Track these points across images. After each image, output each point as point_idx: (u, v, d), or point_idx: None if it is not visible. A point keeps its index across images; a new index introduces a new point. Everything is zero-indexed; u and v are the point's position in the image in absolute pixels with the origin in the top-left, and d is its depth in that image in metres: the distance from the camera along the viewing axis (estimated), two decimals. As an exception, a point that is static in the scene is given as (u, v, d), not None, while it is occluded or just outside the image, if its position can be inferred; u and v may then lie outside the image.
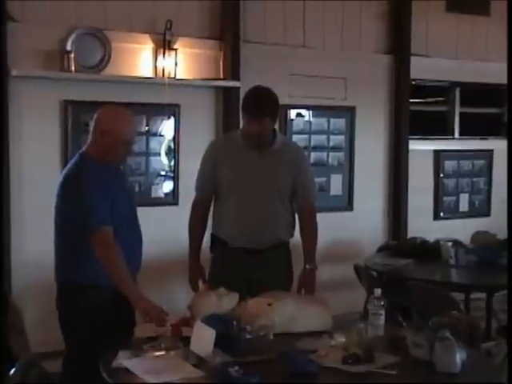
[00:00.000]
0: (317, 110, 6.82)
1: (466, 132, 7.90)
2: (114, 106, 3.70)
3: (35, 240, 5.53)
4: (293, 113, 6.71)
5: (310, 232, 4.15)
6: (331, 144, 6.94)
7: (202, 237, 4.14)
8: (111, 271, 3.32)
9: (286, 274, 4.12)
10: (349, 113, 6.99)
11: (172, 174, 6.10)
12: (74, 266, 3.49)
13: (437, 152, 7.65)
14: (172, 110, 6.03)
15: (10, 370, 2.63)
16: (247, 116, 3.92)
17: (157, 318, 3.18)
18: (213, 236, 4.14)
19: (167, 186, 6.09)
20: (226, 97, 6.28)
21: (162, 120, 5.99)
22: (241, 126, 4.27)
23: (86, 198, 3.38)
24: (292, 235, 4.19)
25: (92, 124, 3.55)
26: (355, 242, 6.88)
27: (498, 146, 7.90)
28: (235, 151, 4.02)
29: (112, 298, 3.37)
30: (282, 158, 4.00)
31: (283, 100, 6.58)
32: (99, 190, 3.38)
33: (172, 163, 6.09)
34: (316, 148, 6.84)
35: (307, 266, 4.10)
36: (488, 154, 7.98)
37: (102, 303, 3.38)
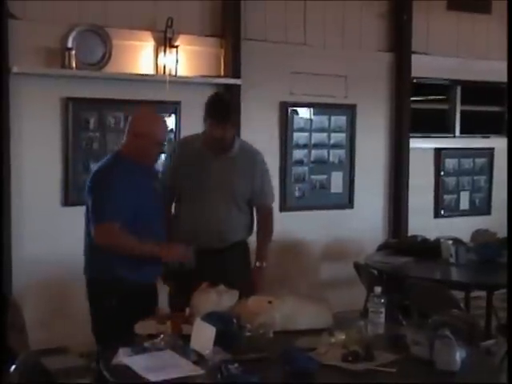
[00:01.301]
0: (318, 107, 6.82)
1: (466, 130, 7.90)
2: (147, 108, 3.80)
3: (35, 239, 5.54)
4: (294, 110, 6.71)
5: (265, 232, 4.20)
6: (332, 142, 6.94)
7: None
8: (123, 251, 3.48)
9: (243, 271, 4.10)
10: (349, 111, 6.99)
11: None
12: (98, 262, 3.61)
13: (437, 150, 7.65)
14: (173, 108, 6.03)
15: (9, 368, 2.63)
16: (212, 121, 3.94)
17: (182, 256, 3.58)
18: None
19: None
20: (227, 94, 6.27)
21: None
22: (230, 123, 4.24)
23: (103, 192, 3.51)
24: (250, 235, 4.20)
25: (127, 126, 3.75)
26: (355, 239, 6.88)
27: (499, 144, 7.90)
28: (194, 156, 4.05)
29: (136, 291, 3.45)
30: (239, 163, 4.05)
31: (284, 98, 6.63)
32: (119, 188, 3.49)
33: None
34: (317, 146, 6.84)
35: (256, 264, 4.11)
36: (489, 152, 7.98)
37: (125, 297, 3.44)
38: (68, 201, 5.67)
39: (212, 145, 4.00)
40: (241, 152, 4.09)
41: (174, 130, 6.07)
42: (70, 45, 5.54)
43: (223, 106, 4.02)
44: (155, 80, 5.85)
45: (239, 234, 4.11)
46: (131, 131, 3.66)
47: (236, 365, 2.56)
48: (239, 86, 6.23)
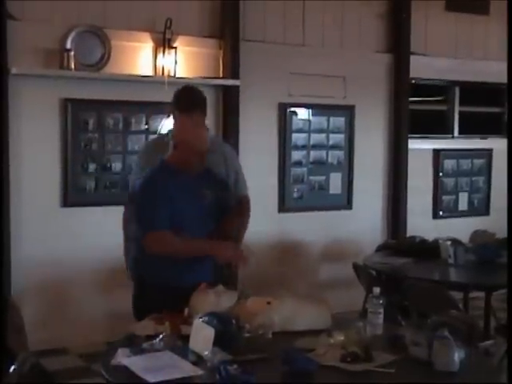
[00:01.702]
0: (316, 108, 6.82)
1: (465, 131, 7.91)
2: (187, 117, 3.69)
3: (34, 240, 5.55)
4: (293, 111, 6.72)
5: (246, 219, 4.04)
6: (331, 143, 6.94)
7: None
8: (175, 255, 3.52)
9: None
10: (348, 111, 7.00)
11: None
12: (146, 264, 3.66)
13: (436, 151, 7.66)
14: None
15: (8, 368, 2.63)
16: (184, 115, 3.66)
17: (235, 257, 3.55)
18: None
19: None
20: (226, 95, 6.28)
21: (162, 118, 5.99)
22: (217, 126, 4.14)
23: (150, 200, 3.55)
24: None
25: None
26: (354, 240, 6.88)
27: (498, 145, 7.91)
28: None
29: (181, 296, 3.36)
30: (210, 170, 3.77)
31: (282, 98, 6.64)
32: (152, 196, 3.52)
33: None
34: (315, 147, 6.84)
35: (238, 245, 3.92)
36: (487, 153, 7.98)
37: (161, 302, 3.39)
38: (67, 202, 5.68)
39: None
40: (210, 153, 3.78)
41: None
42: (68, 46, 5.54)
43: (198, 95, 3.74)
44: (154, 81, 5.85)
45: None
46: (173, 139, 3.68)
47: (235, 365, 2.56)
48: (238, 86, 6.23)
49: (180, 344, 2.91)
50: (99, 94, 5.70)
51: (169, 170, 3.62)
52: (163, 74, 5.89)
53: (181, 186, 3.58)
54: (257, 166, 6.16)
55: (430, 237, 5.73)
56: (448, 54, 7.49)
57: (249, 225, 4.06)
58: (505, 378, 2.99)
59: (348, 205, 7.05)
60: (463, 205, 7.87)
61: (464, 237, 5.80)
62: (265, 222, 6.12)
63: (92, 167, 5.78)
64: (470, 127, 7.93)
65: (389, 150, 7.30)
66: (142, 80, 5.84)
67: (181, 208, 3.54)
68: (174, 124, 3.75)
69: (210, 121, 6.29)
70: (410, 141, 7.33)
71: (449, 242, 5.32)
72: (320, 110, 6.86)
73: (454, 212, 7.79)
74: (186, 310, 3.26)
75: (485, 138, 8.08)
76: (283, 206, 6.66)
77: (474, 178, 7.93)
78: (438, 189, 7.68)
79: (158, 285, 3.53)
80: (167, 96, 5.78)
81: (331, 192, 6.96)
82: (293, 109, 6.70)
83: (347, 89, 6.99)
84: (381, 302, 3.20)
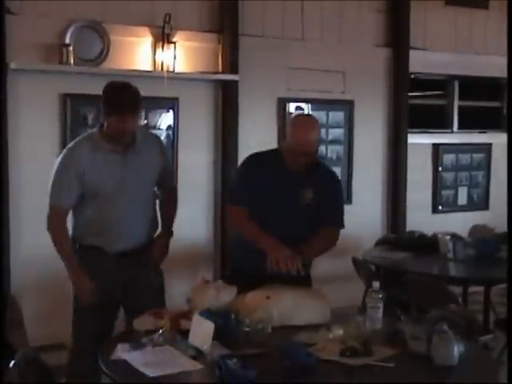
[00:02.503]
0: (315, 103, 6.82)
1: (464, 125, 7.90)
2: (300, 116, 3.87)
3: (34, 236, 5.53)
4: (292, 106, 6.71)
5: (174, 206, 4.06)
6: (330, 137, 6.94)
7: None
8: (245, 233, 3.76)
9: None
10: (347, 106, 6.99)
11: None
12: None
13: (435, 145, 7.66)
14: (171, 104, 6.03)
15: (8, 364, 2.64)
16: (121, 114, 3.56)
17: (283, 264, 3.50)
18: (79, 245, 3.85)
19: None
20: (225, 90, 6.28)
21: (161, 113, 5.99)
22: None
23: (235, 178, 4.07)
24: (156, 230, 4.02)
25: None
26: (354, 235, 6.85)
27: (497, 139, 7.91)
28: (98, 158, 3.70)
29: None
30: (144, 154, 3.77)
31: (282, 93, 6.63)
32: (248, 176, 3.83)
33: (171, 156, 6.09)
34: (315, 141, 6.83)
35: (165, 230, 3.98)
36: (487, 148, 7.98)
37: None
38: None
39: (119, 141, 3.68)
40: (143, 142, 3.80)
41: (172, 126, 6.07)
42: (67, 41, 5.53)
43: (131, 96, 3.63)
44: (153, 76, 5.84)
45: (151, 231, 3.93)
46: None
47: (234, 360, 2.56)
48: (237, 81, 6.23)
49: (179, 338, 2.91)
50: (98, 88, 5.61)
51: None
52: (162, 68, 5.88)
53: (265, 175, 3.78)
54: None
55: (429, 231, 5.73)
56: (447, 49, 7.48)
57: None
58: (504, 372, 3.00)
59: (347, 199, 7.03)
60: (462, 199, 7.87)
61: (463, 231, 5.80)
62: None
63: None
64: (470, 122, 7.93)
65: (388, 144, 7.30)
66: (141, 75, 5.82)
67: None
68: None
69: (209, 115, 6.30)
70: (409, 135, 7.32)
71: (448, 237, 5.32)
72: (319, 105, 6.84)
73: (453, 206, 7.79)
74: (186, 305, 3.27)
75: (484, 133, 8.08)
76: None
77: (473, 173, 7.93)
78: (437, 183, 7.68)
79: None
80: (166, 91, 5.85)
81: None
82: (292, 103, 6.69)
83: (346, 83, 6.98)
84: (380, 296, 3.21)
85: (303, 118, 4.17)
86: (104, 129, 3.69)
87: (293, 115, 4.00)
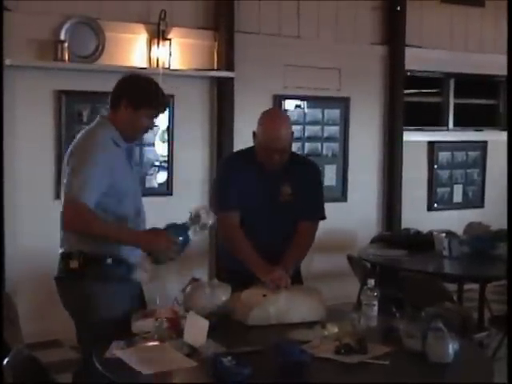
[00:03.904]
0: (311, 100, 6.82)
1: (460, 123, 7.91)
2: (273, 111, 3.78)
3: (28, 233, 5.53)
4: (287, 103, 6.71)
5: None
6: (325, 135, 6.94)
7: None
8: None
9: None
10: (343, 103, 6.99)
11: (166, 165, 6.09)
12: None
13: (431, 143, 7.66)
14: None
15: (2, 361, 2.63)
16: (156, 109, 3.34)
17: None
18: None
19: (161, 177, 6.08)
20: (221, 87, 6.27)
21: (156, 110, 5.97)
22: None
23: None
24: None
25: None
26: (349, 232, 6.89)
27: (493, 137, 7.92)
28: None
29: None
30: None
31: (277, 91, 6.62)
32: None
33: (166, 153, 6.09)
34: (310, 139, 6.84)
35: None
36: (482, 145, 7.98)
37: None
38: (61, 194, 5.65)
39: (137, 139, 3.57)
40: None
41: (168, 123, 6.06)
42: (62, 37, 5.52)
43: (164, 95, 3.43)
44: (148, 73, 5.80)
45: None
46: None
47: (229, 357, 2.56)
48: (232, 78, 6.22)
49: (174, 336, 2.90)
50: (93, 85, 5.67)
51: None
52: (157, 65, 5.87)
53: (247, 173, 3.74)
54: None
55: (424, 229, 5.73)
56: (443, 46, 7.48)
57: None
58: (499, 369, 3.00)
59: (342, 197, 7.05)
60: (458, 197, 7.87)
61: (458, 229, 5.79)
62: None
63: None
64: (465, 119, 7.93)
65: (383, 142, 7.30)
66: (136, 72, 5.81)
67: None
68: None
69: (204, 112, 6.29)
70: (404, 133, 7.32)
71: (443, 234, 5.32)
72: (315, 102, 6.85)
73: (448, 204, 7.80)
74: (175, 303, 3.25)
75: (480, 130, 8.08)
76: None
77: (468, 171, 7.94)
78: (432, 181, 7.69)
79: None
80: (162, 88, 5.82)
81: (326, 184, 6.91)
82: (287, 101, 6.69)
83: (342, 81, 6.98)
84: (375, 293, 3.20)
85: (272, 114, 3.98)
86: (113, 120, 3.31)
87: (263, 111, 3.78)
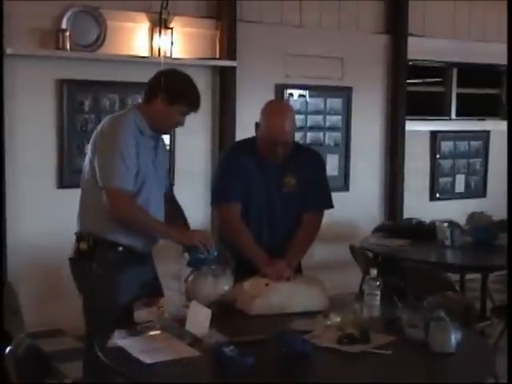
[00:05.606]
0: (313, 89, 6.80)
1: (462, 113, 7.89)
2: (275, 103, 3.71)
3: (30, 222, 5.53)
4: (289, 92, 6.69)
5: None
6: (328, 124, 6.92)
7: None
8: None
9: None
10: (345, 93, 6.97)
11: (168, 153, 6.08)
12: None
13: (433, 133, 7.65)
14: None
15: (4, 350, 2.63)
16: (191, 106, 3.34)
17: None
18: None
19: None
20: (223, 76, 6.26)
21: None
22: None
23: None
24: None
25: None
26: (351, 222, 6.88)
27: (495, 126, 7.90)
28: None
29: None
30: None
31: (279, 80, 6.61)
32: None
33: (168, 142, 6.07)
34: (312, 128, 6.83)
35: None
36: (484, 135, 7.97)
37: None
38: (63, 183, 5.66)
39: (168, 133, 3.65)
40: None
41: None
42: (64, 26, 5.50)
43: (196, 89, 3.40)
44: (150, 62, 5.81)
45: None
46: None
47: (231, 347, 2.56)
48: (235, 67, 6.20)
49: (176, 325, 2.90)
50: (95, 74, 5.66)
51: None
52: (159, 54, 5.85)
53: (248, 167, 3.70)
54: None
55: (426, 219, 5.73)
56: (446, 36, 7.45)
57: None
58: (501, 358, 3.00)
59: (345, 186, 7.04)
60: (460, 187, 7.87)
61: (461, 219, 5.80)
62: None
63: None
64: (468, 109, 7.91)
65: (386, 131, 7.29)
66: (138, 61, 5.80)
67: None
68: None
69: (206, 101, 6.27)
70: (407, 122, 7.31)
71: (445, 224, 5.31)
72: (317, 92, 6.83)
73: (450, 194, 7.79)
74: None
75: (482, 120, 8.07)
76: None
77: (471, 160, 7.93)
78: (434, 171, 7.68)
79: None
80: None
81: (328, 174, 6.87)
82: (290, 90, 6.67)
83: (344, 70, 6.96)
84: (377, 283, 3.20)
85: (276, 106, 3.91)
86: (145, 110, 3.33)
87: (266, 102, 3.70)
